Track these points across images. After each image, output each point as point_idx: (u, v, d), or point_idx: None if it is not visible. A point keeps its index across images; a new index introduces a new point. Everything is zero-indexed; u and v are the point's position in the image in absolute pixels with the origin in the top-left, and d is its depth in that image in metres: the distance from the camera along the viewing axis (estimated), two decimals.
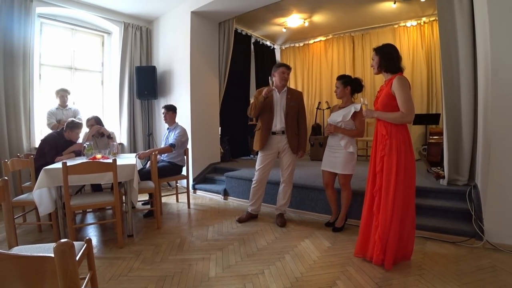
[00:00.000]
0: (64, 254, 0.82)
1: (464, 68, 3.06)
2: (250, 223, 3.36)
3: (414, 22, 5.96)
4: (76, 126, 3.51)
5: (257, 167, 3.32)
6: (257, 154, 3.44)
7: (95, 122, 3.89)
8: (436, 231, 2.77)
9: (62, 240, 0.83)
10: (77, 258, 1.43)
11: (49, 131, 3.89)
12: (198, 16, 5.01)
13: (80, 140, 3.67)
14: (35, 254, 0.85)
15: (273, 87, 3.14)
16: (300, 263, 2.37)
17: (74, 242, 1.49)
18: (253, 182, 3.35)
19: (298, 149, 3.27)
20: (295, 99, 3.26)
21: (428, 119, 5.35)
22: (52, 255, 0.84)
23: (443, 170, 3.33)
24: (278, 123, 3.21)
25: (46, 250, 1.57)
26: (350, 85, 2.98)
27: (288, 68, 3.23)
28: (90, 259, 1.59)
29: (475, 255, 2.43)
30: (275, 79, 3.21)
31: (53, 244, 0.85)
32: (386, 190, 2.19)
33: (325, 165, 3.05)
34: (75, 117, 4.12)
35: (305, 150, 3.39)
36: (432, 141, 4.43)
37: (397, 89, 2.16)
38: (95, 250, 2.62)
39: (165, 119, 4.05)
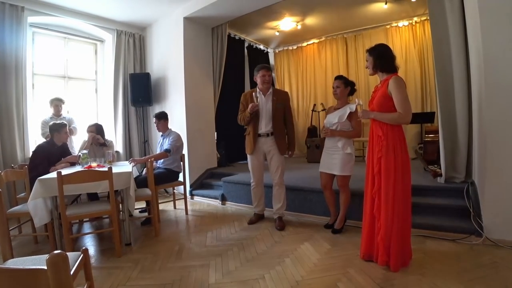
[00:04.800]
0: (57, 266, 0.80)
1: (457, 66, 3.08)
2: (249, 227, 3.35)
3: (405, 22, 6.01)
4: (61, 125, 3.45)
5: (250, 169, 3.39)
6: None
7: (95, 129, 3.88)
8: (435, 229, 2.77)
9: (55, 252, 0.81)
10: (74, 269, 1.40)
11: (43, 141, 3.86)
12: (190, 22, 5.01)
13: (77, 148, 3.64)
14: (27, 267, 0.83)
15: (257, 103, 3.16)
16: (301, 266, 2.35)
17: (71, 253, 1.47)
18: (252, 184, 3.41)
19: (288, 149, 3.30)
20: (281, 100, 3.27)
21: (423, 118, 5.37)
22: (45, 267, 0.82)
23: (440, 168, 3.34)
24: (264, 126, 3.24)
25: (42, 261, 1.51)
26: (350, 85, 2.99)
27: (268, 69, 3.24)
28: (87, 270, 1.56)
29: (475, 252, 2.43)
30: (258, 82, 3.26)
31: None
32: (386, 191, 2.17)
33: (323, 167, 3.04)
34: (69, 126, 4.09)
35: (294, 149, 3.42)
36: (428, 139, 4.45)
37: (394, 90, 2.14)
38: (92, 260, 2.58)
39: (158, 128, 4.05)
